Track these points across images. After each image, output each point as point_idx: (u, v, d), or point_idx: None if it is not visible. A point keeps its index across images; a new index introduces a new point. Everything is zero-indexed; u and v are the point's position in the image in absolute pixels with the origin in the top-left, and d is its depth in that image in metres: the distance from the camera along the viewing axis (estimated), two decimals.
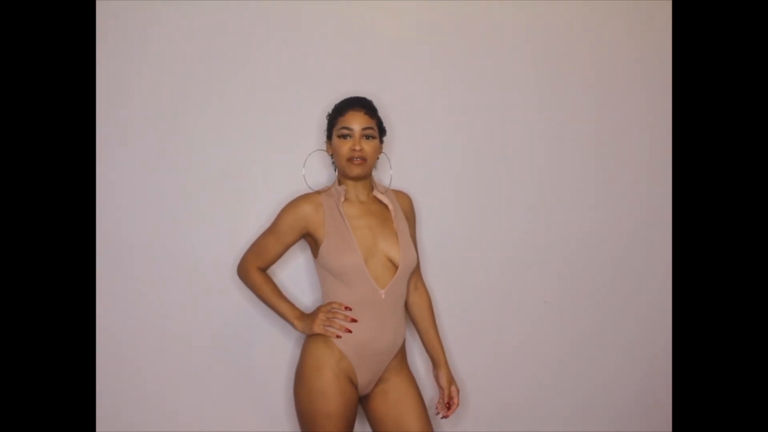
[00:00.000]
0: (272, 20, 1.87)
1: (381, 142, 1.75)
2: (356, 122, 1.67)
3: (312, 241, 1.72)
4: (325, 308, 1.67)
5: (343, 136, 1.68)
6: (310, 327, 1.67)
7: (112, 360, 1.83)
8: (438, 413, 1.76)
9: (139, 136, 1.82)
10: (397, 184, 1.83)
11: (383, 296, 1.66)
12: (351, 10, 1.90)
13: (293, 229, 1.70)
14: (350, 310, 1.66)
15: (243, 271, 1.75)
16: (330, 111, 1.76)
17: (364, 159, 1.67)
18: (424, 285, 1.84)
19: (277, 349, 1.89)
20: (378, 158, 1.74)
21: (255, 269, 1.73)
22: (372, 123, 1.69)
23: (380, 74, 1.91)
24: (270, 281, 1.74)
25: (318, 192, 1.75)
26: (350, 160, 1.67)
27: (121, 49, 1.80)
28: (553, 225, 2.04)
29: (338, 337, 1.65)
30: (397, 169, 1.87)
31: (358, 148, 1.66)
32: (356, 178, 1.71)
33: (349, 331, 1.65)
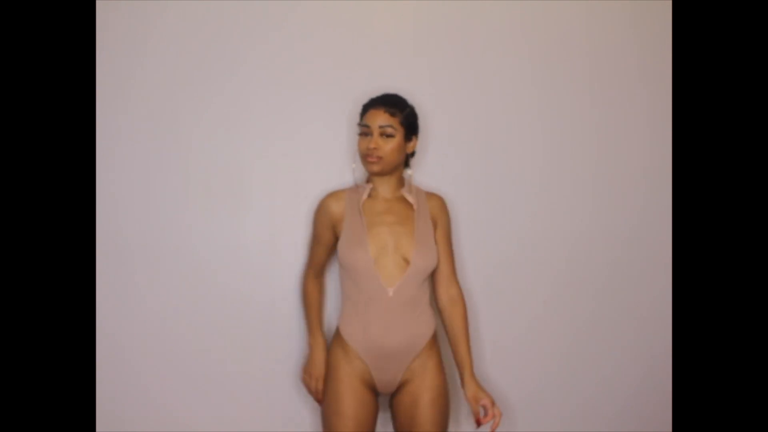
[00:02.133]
0: (272, 20, 1.87)
1: (408, 140, 1.75)
2: (374, 120, 1.69)
3: (335, 237, 1.76)
4: (308, 370, 1.77)
5: (363, 134, 1.72)
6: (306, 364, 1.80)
7: (112, 360, 1.82)
8: (478, 427, 1.71)
9: (139, 135, 1.82)
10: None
11: (391, 294, 1.66)
12: (351, 10, 1.90)
13: (323, 227, 1.76)
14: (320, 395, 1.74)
15: (302, 281, 1.84)
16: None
17: (379, 157, 1.69)
18: (459, 293, 1.79)
19: (277, 349, 1.89)
20: (405, 157, 1.76)
21: (310, 279, 1.83)
22: (392, 121, 1.70)
23: (379, 75, 1.91)
24: (314, 300, 1.82)
25: (345, 189, 1.79)
26: (365, 157, 1.70)
27: (121, 48, 1.80)
28: (553, 225, 2.04)
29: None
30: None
31: (372, 146, 1.68)
32: (374, 175, 1.74)
33: (319, 401, 1.74)
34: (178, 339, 1.86)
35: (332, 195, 1.77)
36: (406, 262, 1.68)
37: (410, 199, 1.76)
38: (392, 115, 1.71)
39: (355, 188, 1.79)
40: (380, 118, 1.69)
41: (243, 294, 1.86)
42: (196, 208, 1.86)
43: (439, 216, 1.79)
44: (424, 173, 1.93)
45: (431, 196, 1.82)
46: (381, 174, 1.73)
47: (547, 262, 2.04)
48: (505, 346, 2.04)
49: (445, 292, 1.78)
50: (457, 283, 1.80)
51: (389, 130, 1.69)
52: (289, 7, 1.87)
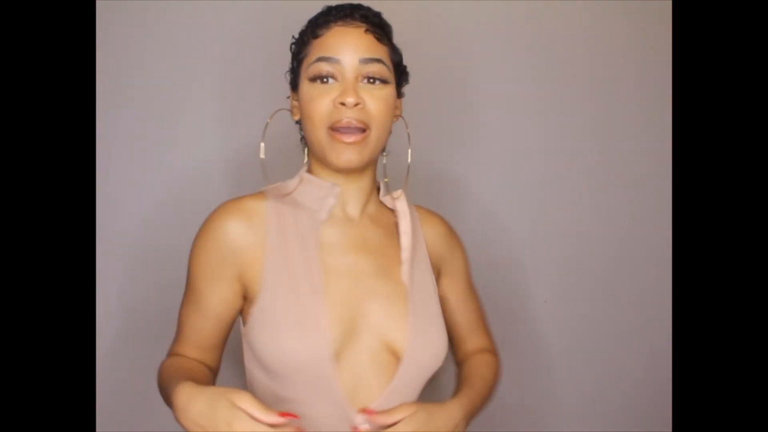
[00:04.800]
0: (274, 18, 1.87)
1: (399, 96, 0.95)
2: (348, 47, 0.85)
3: (241, 293, 0.90)
4: (250, 402, 0.81)
5: (320, 79, 0.86)
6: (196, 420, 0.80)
7: (112, 360, 1.82)
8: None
9: (139, 133, 1.82)
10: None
11: (362, 427, 0.84)
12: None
13: (219, 278, 0.88)
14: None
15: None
16: (296, 36, 0.96)
17: (364, 126, 0.86)
18: (493, 347, 1.05)
19: None
20: (391, 127, 0.92)
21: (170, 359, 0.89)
22: (382, 52, 0.88)
23: None
24: (175, 368, 0.92)
25: (261, 193, 0.93)
26: (335, 128, 0.86)
27: (121, 45, 1.80)
28: (553, 224, 2.04)
29: None
30: (391, 166, 1.86)
31: (352, 100, 0.84)
32: (348, 169, 0.89)
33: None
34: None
35: (236, 210, 0.90)
36: (395, 356, 0.86)
37: (401, 214, 0.91)
38: (380, 40, 0.89)
39: (279, 192, 0.92)
40: (362, 44, 0.86)
41: None
42: (197, 208, 1.85)
43: (447, 253, 1.00)
44: (422, 171, 1.93)
45: (428, 217, 0.99)
46: (361, 166, 0.90)
47: (547, 261, 2.04)
48: (504, 347, 2.03)
49: (472, 344, 1.06)
50: (488, 334, 1.07)
51: (378, 70, 0.86)
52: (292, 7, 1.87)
